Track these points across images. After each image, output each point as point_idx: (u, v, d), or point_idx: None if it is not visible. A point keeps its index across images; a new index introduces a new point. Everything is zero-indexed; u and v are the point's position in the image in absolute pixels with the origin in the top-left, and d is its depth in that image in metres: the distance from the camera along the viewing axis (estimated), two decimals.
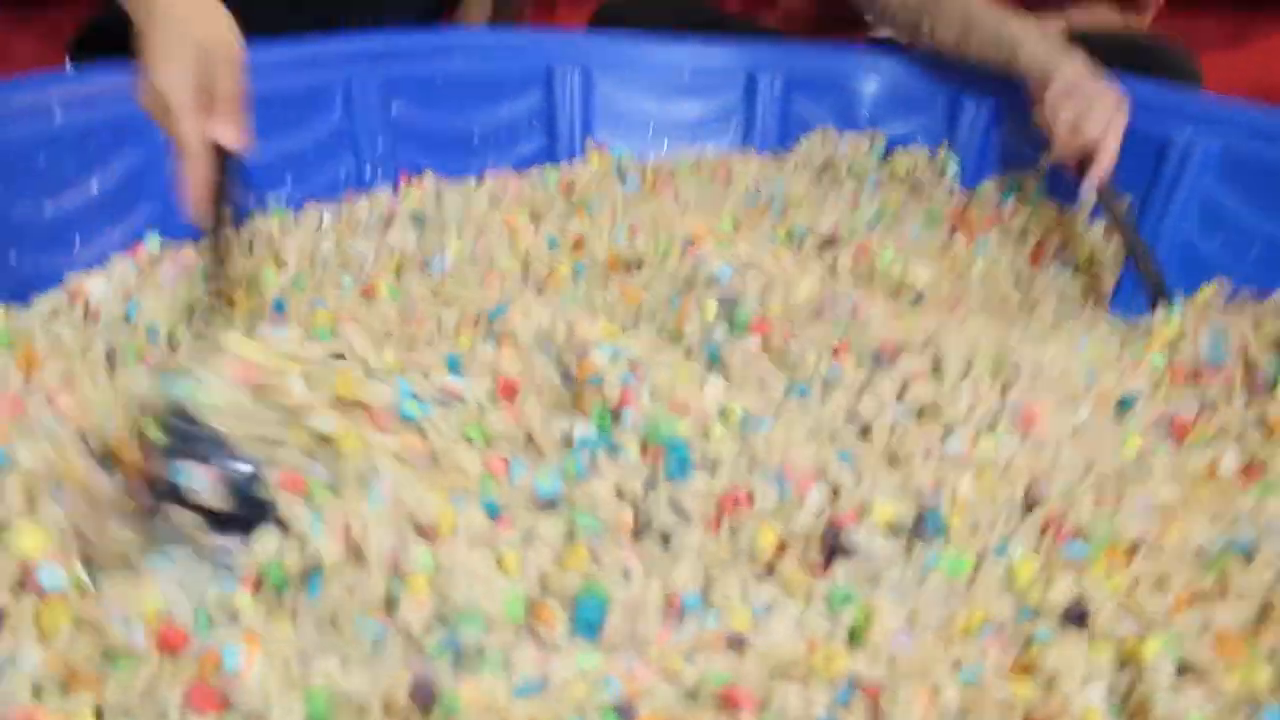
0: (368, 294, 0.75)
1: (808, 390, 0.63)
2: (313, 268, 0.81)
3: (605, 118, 1.07)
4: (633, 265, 0.80)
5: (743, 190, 1.00)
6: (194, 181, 0.68)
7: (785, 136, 1.11)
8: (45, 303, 0.73)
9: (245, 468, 0.51)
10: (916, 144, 1.09)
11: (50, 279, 0.76)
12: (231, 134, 0.69)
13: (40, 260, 0.76)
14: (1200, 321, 0.80)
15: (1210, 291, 0.88)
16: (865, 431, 0.61)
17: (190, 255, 0.80)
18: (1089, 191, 0.94)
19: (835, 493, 0.55)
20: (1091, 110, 0.92)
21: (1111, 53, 1.17)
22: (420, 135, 1.01)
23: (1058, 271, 0.98)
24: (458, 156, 1.02)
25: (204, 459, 0.51)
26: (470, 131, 1.03)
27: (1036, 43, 0.98)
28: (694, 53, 1.10)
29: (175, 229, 0.84)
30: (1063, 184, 1.01)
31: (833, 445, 0.59)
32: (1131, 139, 0.97)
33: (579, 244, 0.84)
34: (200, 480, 0.50)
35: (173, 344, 0.67)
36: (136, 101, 0.69)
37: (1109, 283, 0.97)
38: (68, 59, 1.16)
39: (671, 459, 0.56)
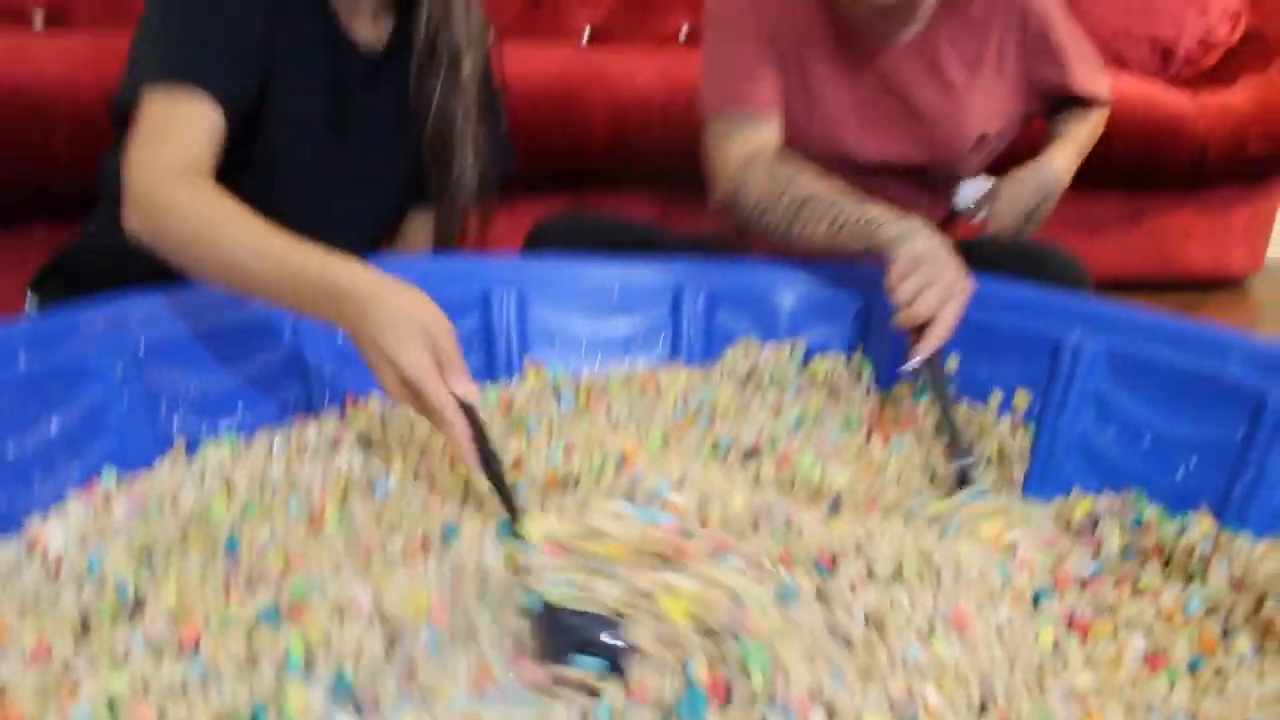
0: (315, 524, 0.79)
1: (792, 598, 0.66)
2: (262, 494, 0.84)
3: (540, 337, 1.14)
4: (569, 483, 0.84)
5: (672, 402, 1.06)
6: (459, 437, 0.79)
7: (711, 348, 1.18)
8: (3, 553, 0.75)
9: (616, 641, 0.66)
10: (833, 350, 1.17)
11: (8, 519, 0.78)
12: (471, 389, 0.81)
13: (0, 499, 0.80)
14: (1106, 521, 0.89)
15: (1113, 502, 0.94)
16: (848, 644, 0.64)
17: (144, 489, 0.83)
18: (915, 362, 1.02)
19: (830, 714, 0.58)
20: (931, 286, 1.01)
21: (1005, 258, 1.28)
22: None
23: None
24: None
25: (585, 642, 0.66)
26: None
27: (893, 223, 1.07)
28: (623, 272, 1.18)
29: (130, 459, 0.88)
30: (971, 383, 1.09)
31: (822, 663, 0.62)
32: (1027, 340, 1.07)
33: (518, 463, 0.89)
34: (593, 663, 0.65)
35: (139, 598, 0.70)
36: (386, 393, 0.82)
37: (1019, 471, 1.03)
38: (29, 293, 1.22)
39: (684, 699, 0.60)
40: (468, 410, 0.80)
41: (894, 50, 1.27)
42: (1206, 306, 2.56)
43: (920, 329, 1.02)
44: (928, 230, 1.07)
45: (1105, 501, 0.94)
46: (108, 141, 1.44)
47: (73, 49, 1.51)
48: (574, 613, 0.68)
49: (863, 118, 1.30)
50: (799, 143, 1.26)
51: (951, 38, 1.28)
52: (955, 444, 1.00)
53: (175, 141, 0.92)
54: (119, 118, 1.00)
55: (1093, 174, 2.46)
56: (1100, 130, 1.46)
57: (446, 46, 1.14)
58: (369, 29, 1.14)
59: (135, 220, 0.90)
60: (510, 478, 0.83)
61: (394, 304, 0.80)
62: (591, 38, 2.70)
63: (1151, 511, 0.91)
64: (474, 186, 1.22)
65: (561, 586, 0.69)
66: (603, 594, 0.68)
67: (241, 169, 1.01)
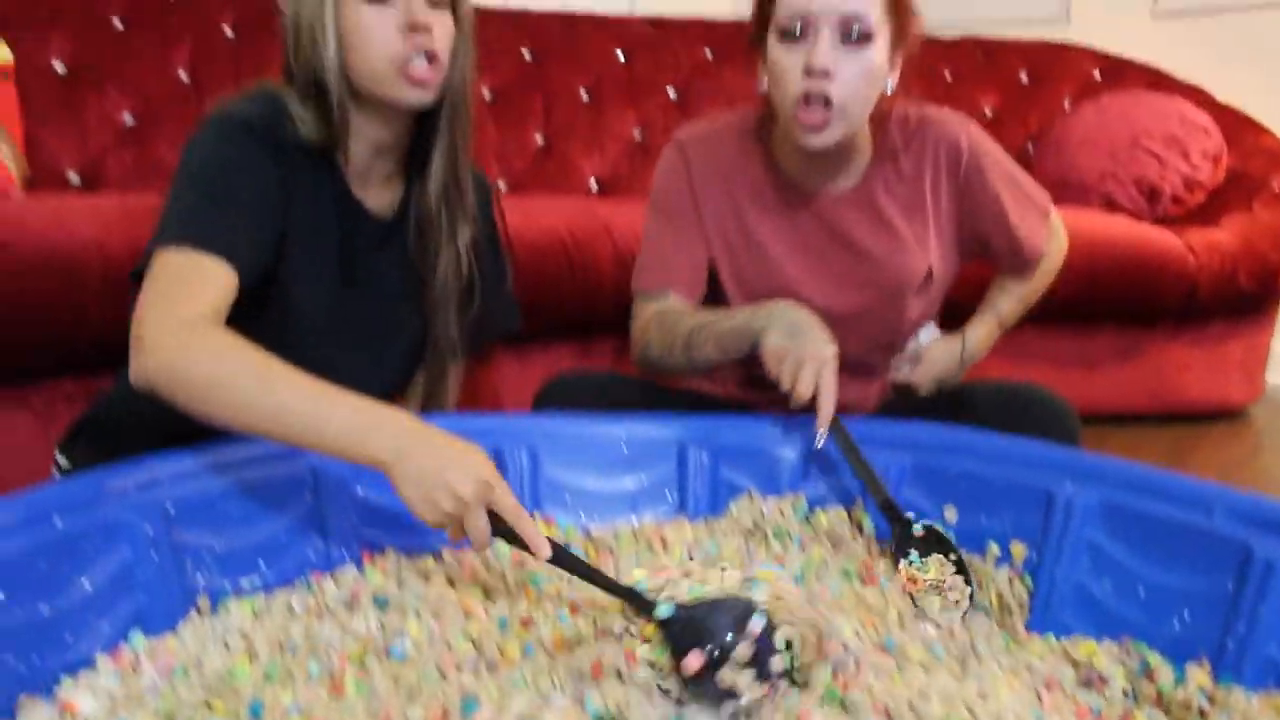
0: (335, 688, 0.81)
1: None
2: (283, 656, 0.87)
3: (551, 492, 1.18)
4: (575, 644, 0.87)
5: (677, 557, 1.09)
6: (531, 529, 0.90)
7: (716, 502, 1.22)
8: (37, 718, 0.77)
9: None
10: (834, 502, 1.21)
11: (40, 679, 0.81)
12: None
13: (32, 659, 0.82)
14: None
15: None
16: None
17: (170, 653, 0.87)
18: (821, 435, 1.14)
19: None
20: (802, 366, 1.14)
21: (996, 403, 1.33)
22: (383, 515, 1.10)
23: (972, 613, 1.06)
24: (417, 533, 1.11)
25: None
26: None
27: (757, 317, 1.22)
28: (630, 430, 1.23)
29: (158, 616, 0.92)
30: (968, 534, 1.13)
31: None
32: (1020, 492, 1.10)
33: (526, 623, 0.92)
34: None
35: None
36: (438, 516, 0.89)
37: (1019, 620, 1.05)
38: (57, 452, 1.26)
39: None
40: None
41: (833, 200, 1.36)
42: (1209, 438, 2.58)
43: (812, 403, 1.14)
44: (784, 310, 1.20)
45: (1108, 646, 0.96)
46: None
47: (104, 210, 1.58)
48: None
49: (809, 264, 1.37)
50: (751, 294, 1.36)
51: (888, 187, 1.37)
52: (882, 496, 1.13)
53: (189, 293, 0.97)
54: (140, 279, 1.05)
55: (1088, 311, 2.56)
56: (1045, 282, 1.52)
57: (448, 216, 1.22)
58: (379, 195, 1.21)
59: (150, 366, 0.93)
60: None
61: (452, 440, 0.88)
62: (598, 188, 2.82)
63: (1155, 658, 0.93)
64: (456, 349, 1.28)
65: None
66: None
67: (254, 326, 1.06)
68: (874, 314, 1.39)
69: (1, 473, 1.53)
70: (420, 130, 1.20)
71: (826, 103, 1.22)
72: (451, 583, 1.02)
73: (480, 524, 0.89)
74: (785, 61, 1.24)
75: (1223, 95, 3.13)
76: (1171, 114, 2.88)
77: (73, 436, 1.24)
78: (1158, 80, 3.21)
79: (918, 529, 1.11)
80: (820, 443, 1.15)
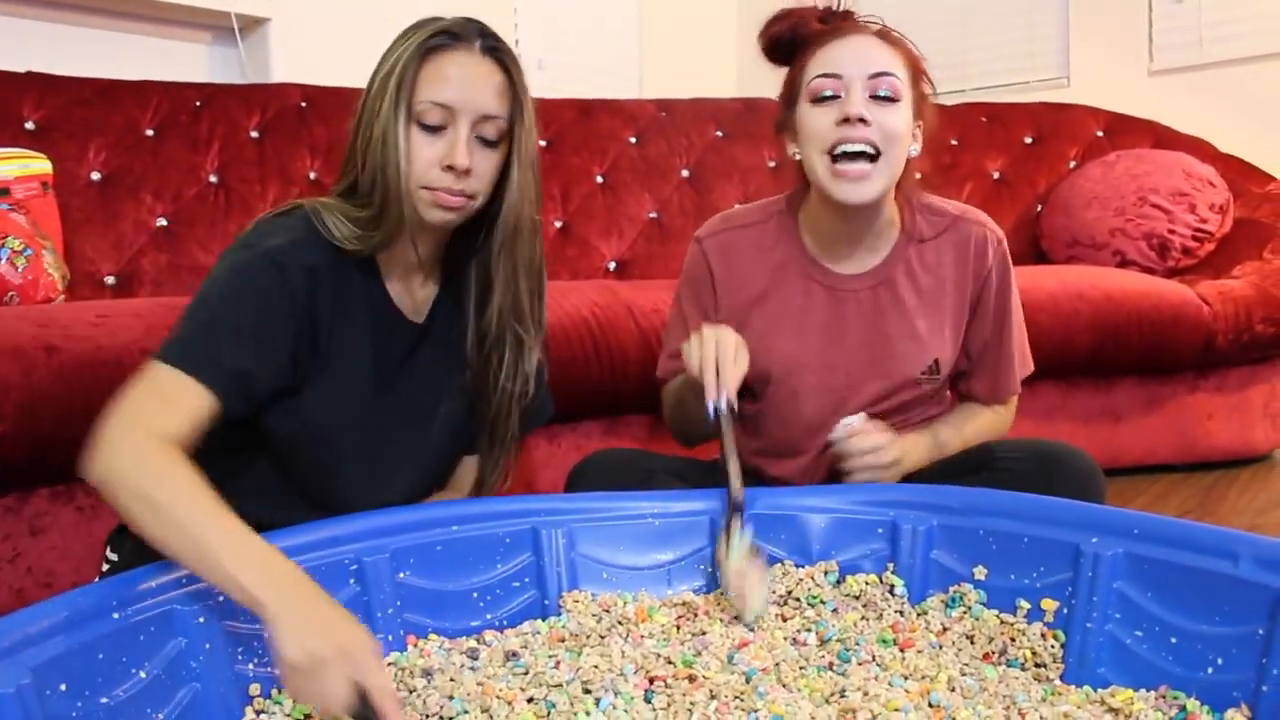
0: None
1: None
2: None
3: (587, 570, 1.20)
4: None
5: (716, 628, 1.11)
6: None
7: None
8: None
9: None
10: (866, 568, 1.23)
11: None
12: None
13: None
14: None
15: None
16: None
17: None
18: (709, 405, 1.22)
19: None
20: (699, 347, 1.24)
21: (1019, 461, 1.35)
22: (425, 598, 1.13)
23: (1005, 670, 1.07)
24: (458, 615, 1.14)
25: None
26: (468, 591, 1.16)
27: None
28: (661, 505, 1.25)
29: (210, 705, 0.94)
30: (998, 592, 1.14)
31: None
32: (1047, 549, 1.12)
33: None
34: None
35: None
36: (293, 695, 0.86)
37: (1054, 674, 1.06)
38: (107, 547, 1.30)
39: None
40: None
41: (852, 279, 1.42)
42: (1237, 484, 2.58)
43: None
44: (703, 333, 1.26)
45: (1144, 694, 0.97)
46: None
47: (143, 312, 1.63)
48: None
49: (819, 344, 1.42)
50: (758, 373, 1.39)
51: (909, 271, 1.41)
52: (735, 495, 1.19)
53: (162, 409, 0.99)
54: None
55: (1108, 365, 2.57)
56: (994, 431, 1.52)
57: (511, 333, 1.26)
58: (415, 296, 1.25)
59: (98, 465, 0.95)
60: None
61: (313, 646, 0.84)
62: (616, 269, 2.88)
63: (1193, 703, 0.94)
64: (513, 443, 1.33)
65: None
66: None
67: (289, 431, 1.10)
68: (882, 402, 1.43)
69: (50, 566, 1.57)
70: (456, 240, 1.25)
71: (867, 158, 1.28)
72: (492, 669, 1.04)
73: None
74: (818, 120, 1.30)
75: (1225, 146, 3.19)
76: (1176, 168, 2.93)
77: (120, 530, 1.28)
78: (1160, 135, 3.26)
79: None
80: (710, 412, 1.22)
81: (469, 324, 1.28)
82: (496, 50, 1.18)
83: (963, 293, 1.42)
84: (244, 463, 1.18)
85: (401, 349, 1.24)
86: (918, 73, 1.34)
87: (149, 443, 0.96)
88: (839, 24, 1.33)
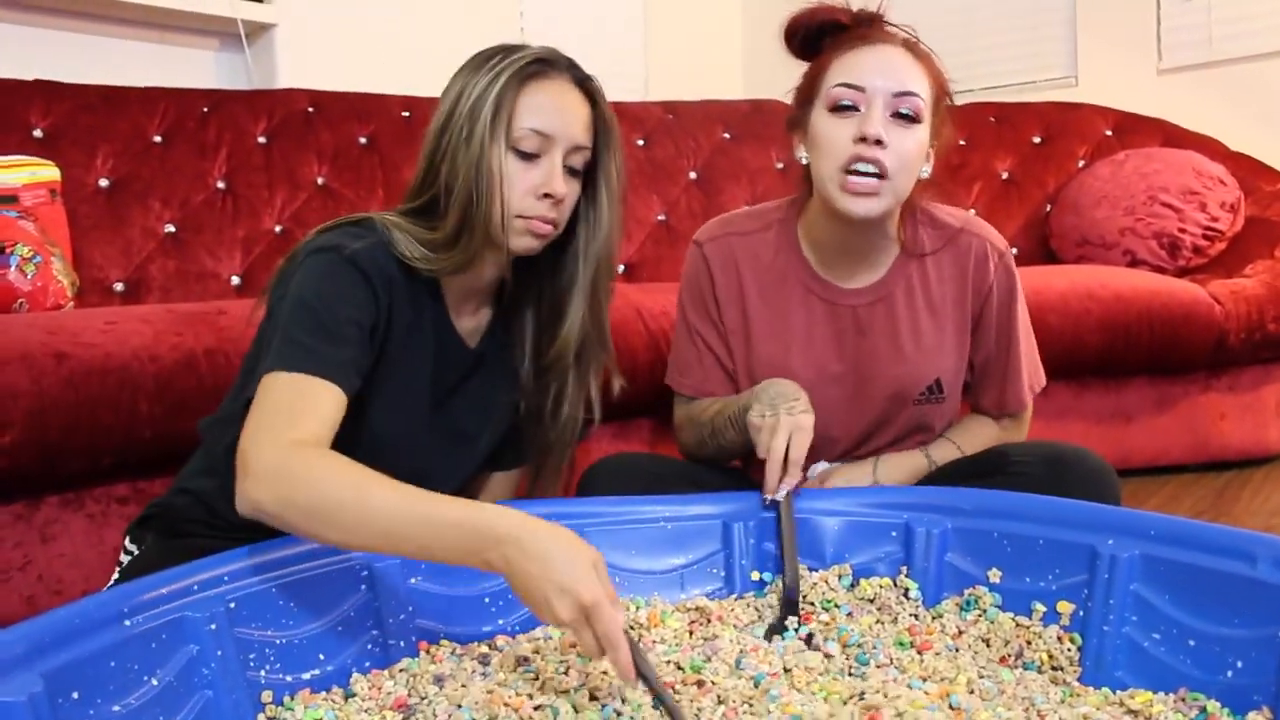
0: None
1: None
2: None
3: None
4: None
5: (729, 631, 1.10)
6: (625, 659, 0.87)
7: (762, 577, 1.23)
8: None
9: None
10: (880, 571, 1.22)
11: None
12: (621, 617, 0.88)
13: None
14: None
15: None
16: None
17: None
18: (766, 498, 1.22)
19: None
20: (775, 435, 1.22)
21: (1033, 464, 1.34)
22: (437, 604, 1.13)
23: (1022, 673, 1.07)
24: (470, 622, 1.14)
25: None
26: (480, 596, 1.15)
27: (753, 394, 1.31)
28: (674, 509, 1.25)
29: (222, 712, 0.94)
30: (1013, 595, 1.14)
31: None
32: (1062, 551, 1.11)
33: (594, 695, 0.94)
34: None
35: None
36: (555, 622, 0.88)
37: (1071, 677, 1.06)
38: (126, 539, 1.30)
39: None
40: (626, 634, 0.88)
41: (852, 294, 1.40)
42: (1250, 484, 2.56)
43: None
44: (769, 385, 1.30)
45: (1163, 696, 0.97)
46: (188, 405, 1.56)
47: (153, 318, 1.63)
48: None
49: (816, 357, 1.41)
50: (774, 373, 1.39)
51: (909, 287, 1.40)
52: (792, 581, 1.16)
53: (295, 418, 1.00)
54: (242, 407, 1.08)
55: (1119, 365, 2.56)
56: (1002, 438, 1.50)
57: (577, 360, 1.29)
58: (470, 323, 1.27)
59: (255, 493, 0.96)
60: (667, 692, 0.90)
61: (557, 541, 0.89)
62: (626, 271, 2.87)
63: (1214, 705, 0.93)
64: (568, 458, 1.37)
65: None
66: None
67: (345, 432, 1.10)
68: (883, 419, 1.43)
69: (60, 574, 1.57)
70: (517, 269, 1.26)
71: (878, 175, 1.25)
72: (503, 675, 1.03)
73: (589, 641, 0.89)
74: (834, 131, 1.27)
75: (1235, 144, 3.17)
76: (1186, 167, 2.92)
77: (140, 523, 1.28)
78: (1170, 134, 3.25)
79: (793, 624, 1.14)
80: (767, 501, 1.22)
81: (526, 353, 1.30)
82: (586, 81, 1.20)
83: (963, 308, 1.41)
84: None
85: (457, 373, 1.25)
86: (941, 91, 1.31)
87: (290, 456, 0.96)
88: (867, 30, 1.30)
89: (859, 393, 1.41)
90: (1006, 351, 1.43)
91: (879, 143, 1.24)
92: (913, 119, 1.26)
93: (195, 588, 0.99)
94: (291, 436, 0.98)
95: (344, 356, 1.07)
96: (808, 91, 1.33)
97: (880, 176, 1.25)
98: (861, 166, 1.25)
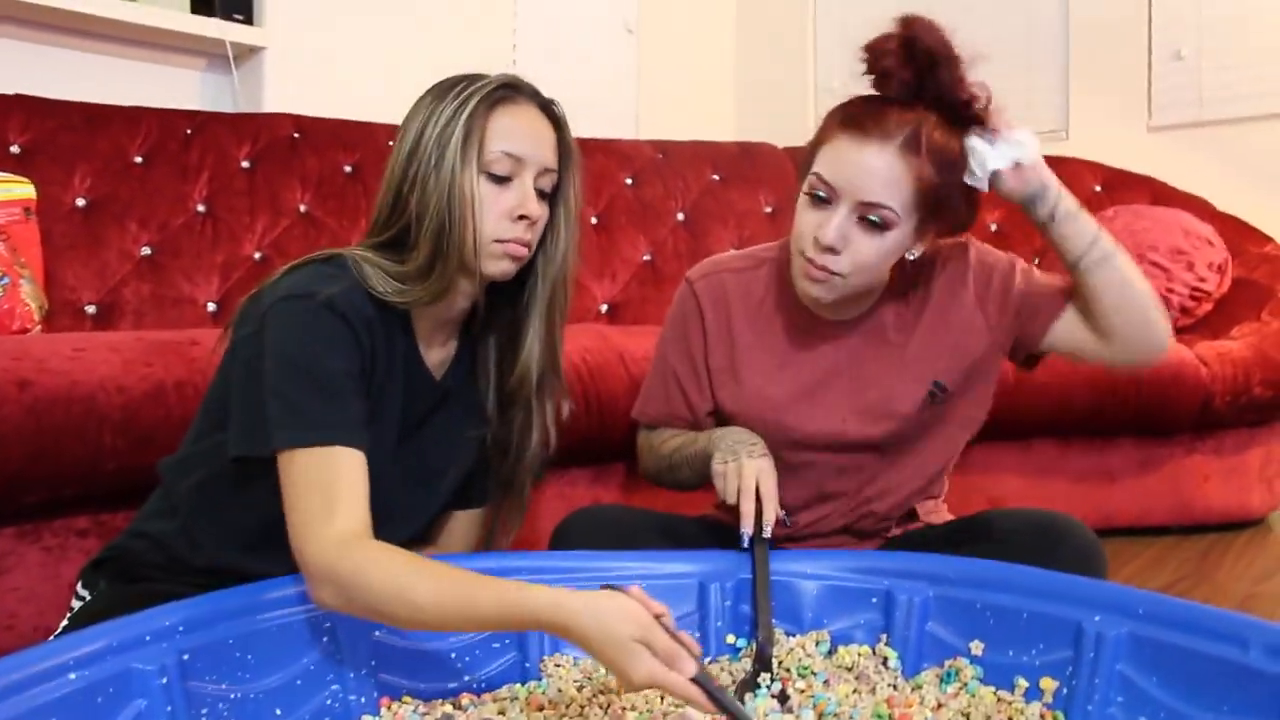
0: None
1: None
2: None
3: None
4: None
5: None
6: (706, 705, 0.88)
7: (737, 639, 1.20)
8: None
9: None
10: (858, 638, 1.19)
11: None
12: (691, 667, 0.88)
13: None
14: None
15: None
16: None
17: None
18: (743, 537, 1.20)
19: None
20: (738, 480, 1.23)
21: (1024, 530, 1.31)
22: (401, 658, 1.09)
23: None
24: (435, 678, 1.10)
25: None
26: (447, 651, 1.11)
27: (710, 440, 1.33)
28: (648, 567, 1.21)
29: None
30: (995, 669, 1.10)
31: None
32: (1047, 625, 1.08)
33: None
34: None
35: None
36: (635, 683, 0.89)
37: None
38: (79, 583, 1.26)
39: None
40: (703, 681, 0.88)
41: (846, 325, 1.39)
42: (1233, 549, 2.54)
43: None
44: (726, 433, 1.32)
45: None
46: (154, 439, 1.52)
47: (121, 347, 1.59)
48: None
49: (810, 390, 1.39)
50: (747, 419, 1.39)
51: (898, 314, 1.39)
52: (766, 631, 1.13)
53: (336, 504, 1.00)
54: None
55: (1103, 425, 2.54)
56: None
57: (538, 388, 1.28)
58: (436, 355, 1.24)
59: (323, 594, 0.98)
60: None
61: (596, 624, 0.88)
62: (609, 312, 2.85)
63: None
64: (526, 495, 1.36)
65: None
66: None
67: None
68: (886, 442, 1.40)
69: (12, 609, 1.52)
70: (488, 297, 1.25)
71: (828, 270, 1.25)
72: None
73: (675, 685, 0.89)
74: (804, 216, 1.28)
75: (1222, 205, 3.18)
76: (1174, 226, 2.92)
77: (94, 567, 1.24)
78: (1158, 192, 3.25)
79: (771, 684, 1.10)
80: (745, 540, 1.20)
81: (490, 383, 1.29)
82: (549, 106, 1.21)
83: (965, 304, 1.38)
84: (237, 501, 1.15)
85: (425, 407, 1.23)
86: (935, 188, 1.24)
87: (346, 553, 0.97)
88: (866, 122, 1.22)
89: (858, 417, 1.39)
90: (1031, 291, 1.38)
91: (831, 249, 1.23)
92: (880, 227, 1.23)
93: (147, 637, 0.95)
94: (334, 531, 0.98)
95: (350, 414, 1.06)
96: (808, 151, 1.31)
97: (834, 273, 1.25)
98: (815, 262, 1.25)
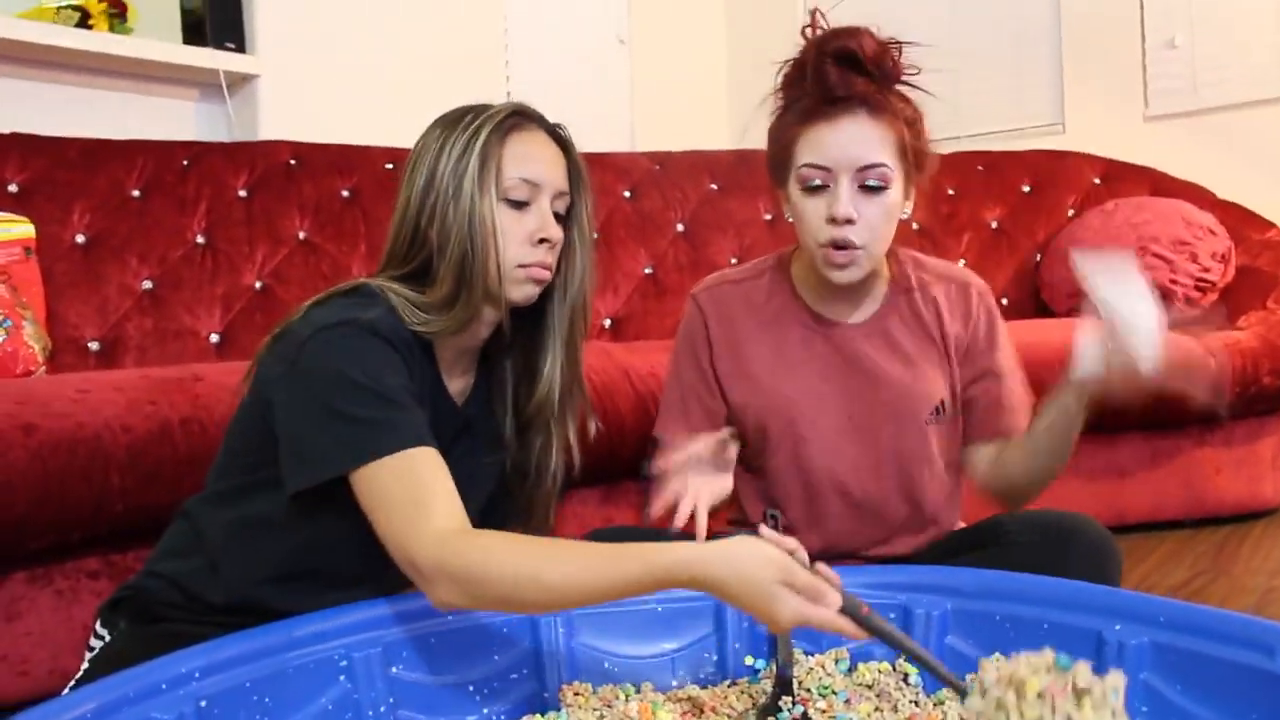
0: None
1: None
2: None
3: (588, 659, 1.15)
4: None
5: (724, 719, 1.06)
6: (855, 634, 0.92)
7: (755, 660, 1.18)
8: None
9: None
10: (878, 655, 1.17)
11: None
12: (837, 599, 0.92)
13: None
14: None
15: None
16: None
17: None
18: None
19: None
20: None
21: (1034, 532, 1.31)
22: (419, 694, 1.08)
23: None
24: (454, 710, 1.09)
25: None
26: (464, 685, 1.10)
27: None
28: (663, 595, 1.19)
29: None
30: None
31: None
32: (1068, 635, 1.07)
33: None
34: None
35: None
36: (783, 625, 0.90)
37: None
38: (97, 622, 1.25)
39: None
40: (851, 610, 0.91)
41: (850, 329, 1.42)
42: (1249, 540, 2.53)
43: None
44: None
45: None
46: (161, 477, 1.51)
47: (126, 386, 1.59)
48: None
49: (826, 393, 1.41)
50: (764, 426, 1.41)
51: (902, 318, 1.43)
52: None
53: (428, 503, 0.99)
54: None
55: (1112, 420, 2.53)
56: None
57: (557, 412, 1.28)
58: (461, 379, 1.25)
59: (446, 594, 0.97)
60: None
61: (735, 577, 0.89)
62: (611, 326, 2.84)
63: None
64: (551, 516, 1.36)
65: None
66: None
67: (334, 504, 1.06)
68: (894, 446, 1.40)
69: (27, 653, 1.51)
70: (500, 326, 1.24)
71: (852, 245, 1.29)
72: None
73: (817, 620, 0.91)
74: (809, 209, 1.32)
75: (1222, 192, 3.17)
76: (1175, 216, 2.91)
77: (113, 606, 1.23)
78: (1158, 182, 3.25)
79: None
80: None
81: (507, 409, 1.29)
82: (557, 130, 1.22)
83: (951, 335, 1.43)
84: (274, 534, 1.14)
85: (449, 436, 1.22)
86: (911, 140, 1.33)
87: (452, 554, 0.96)
88: (828, 108, 1.30)
89: (869, 421, 1.40)
90: (999, 380, 1.43)
91: (849, 221, 1.28)
92: (880, 187, 1.29)
93: (164, 685, 0.95)
94: (436, 529, 0.98)
95: (417, 419, 1.06)
96: (780, 159, 1.36)
97: (857, 247, 1.30)
98: (839, 240, 1.30)
